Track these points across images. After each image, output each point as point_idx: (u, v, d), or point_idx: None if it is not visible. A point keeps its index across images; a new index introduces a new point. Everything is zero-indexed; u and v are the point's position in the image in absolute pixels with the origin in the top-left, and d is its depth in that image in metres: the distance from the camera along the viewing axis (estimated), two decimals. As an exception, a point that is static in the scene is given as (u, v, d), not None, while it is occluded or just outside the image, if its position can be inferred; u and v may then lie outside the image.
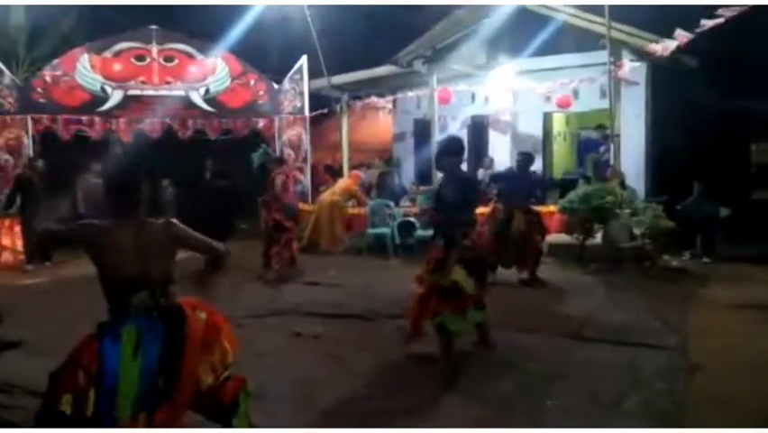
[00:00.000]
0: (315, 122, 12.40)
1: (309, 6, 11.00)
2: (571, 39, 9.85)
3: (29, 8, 11.89)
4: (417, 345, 4.55)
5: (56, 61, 10.57)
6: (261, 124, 11.40)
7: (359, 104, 12.63)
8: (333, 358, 4.56)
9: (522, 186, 7.17)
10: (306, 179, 11.63)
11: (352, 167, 12.40)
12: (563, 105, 10.25)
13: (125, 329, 2.51)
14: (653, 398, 3.72)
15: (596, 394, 3.76)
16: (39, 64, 11.36)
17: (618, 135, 8.94)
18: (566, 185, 9.38)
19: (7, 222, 8.91)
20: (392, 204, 10.09)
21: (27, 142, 10.22)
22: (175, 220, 2.86)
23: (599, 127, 10.49)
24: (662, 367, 4.21)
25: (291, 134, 11.59)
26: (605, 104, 9.07)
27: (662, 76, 9.64)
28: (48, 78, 10.43)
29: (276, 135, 11.43)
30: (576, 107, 10.42)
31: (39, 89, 10.38)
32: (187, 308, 2.67)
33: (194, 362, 2.56)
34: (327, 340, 5.03)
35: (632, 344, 4.67)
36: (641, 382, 3.96)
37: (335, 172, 12.66)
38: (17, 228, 8.90)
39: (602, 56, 8.78)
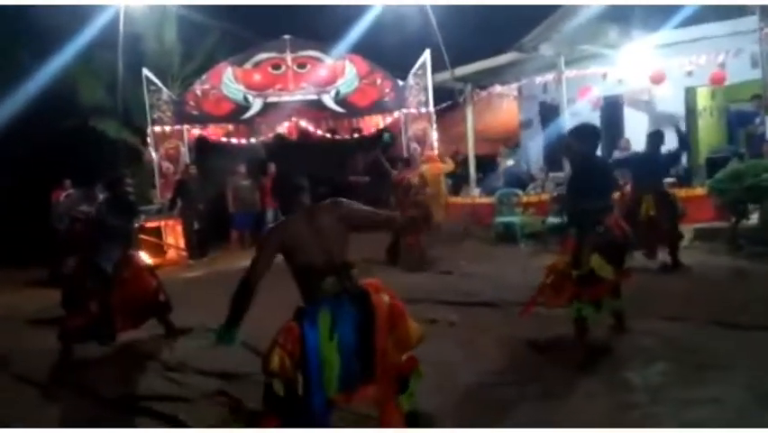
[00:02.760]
0: (440, 114, 12.50)
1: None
2: (712, 7, 9.06)
3: (179, 30, 13.18)
4: (552, 331, 4.52)
5: (204, 76, 11.66)
6: (388, 120, 11.74)
7: (483, 93, 12.54)
8: (468, 344, 4.65)
9: (650, 168, 6.60)
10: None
11: (478, 157, 12.39)
12: (717, 80, 9.39)
13: (321, 314, 2.69)
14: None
15: (754, 386, 3.50)
16: (190, 80, 12.56)
17: (775, 107, 8.10)
18: (714, 164, 8.64)
19: (171, 223, 9.96)
20: (520, 192, 9.95)
21: (183, 150, 11.41)
22: (341, 198, 3.00)
23: (756, 98, 9.47)
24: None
25: (417, 129, 11.81)
26: (756, 74, 8.26)
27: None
28: (198, 92, 11.55)
29: (402, 131, 11.70)
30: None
31: (191, 102, 11.53)
32: (371, 289, 2.84)
33: (384, 339, 2.71)
34: (462, 327, 5.12)
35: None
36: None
37: (460, 163, 12.65)
38: (179, 228, 9.96)
39: (750, 23, 7.99)
